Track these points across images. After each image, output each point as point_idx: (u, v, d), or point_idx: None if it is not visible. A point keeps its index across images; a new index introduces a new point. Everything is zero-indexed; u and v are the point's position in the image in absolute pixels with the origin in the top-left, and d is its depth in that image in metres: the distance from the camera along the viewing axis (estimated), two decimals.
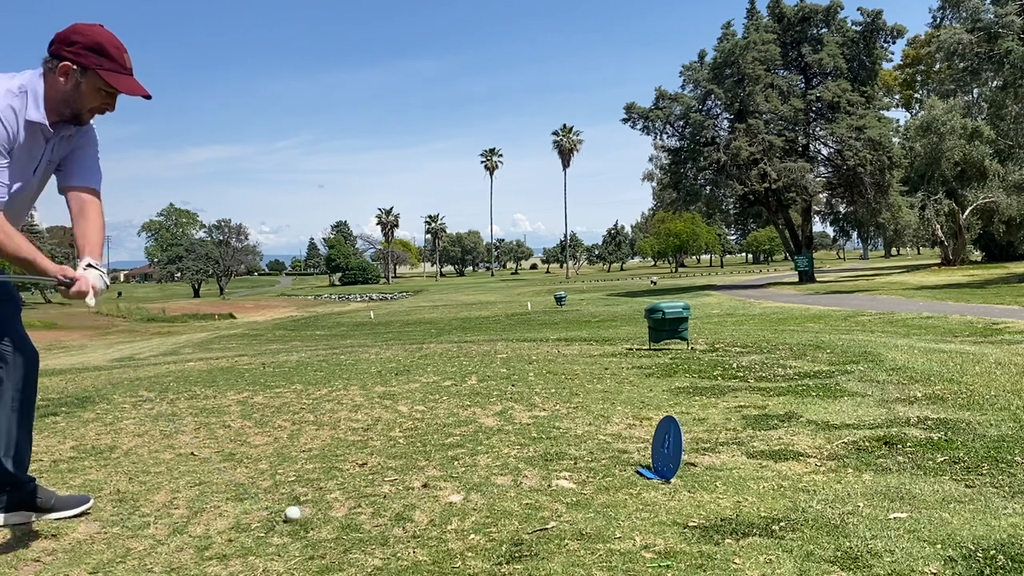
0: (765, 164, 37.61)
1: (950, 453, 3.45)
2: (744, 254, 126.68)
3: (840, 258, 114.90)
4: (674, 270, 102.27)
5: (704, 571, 2.27)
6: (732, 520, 2.67)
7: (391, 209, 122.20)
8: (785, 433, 4.03)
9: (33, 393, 2.89)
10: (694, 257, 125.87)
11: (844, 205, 44.05)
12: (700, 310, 21.28)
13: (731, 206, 44.07)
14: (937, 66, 48.57)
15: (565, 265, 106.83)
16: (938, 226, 43.18)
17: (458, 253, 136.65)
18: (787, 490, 3.02)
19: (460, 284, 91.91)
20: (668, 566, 2.31)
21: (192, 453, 4.11)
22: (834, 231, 52.75)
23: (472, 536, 2.64)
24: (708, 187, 41.59)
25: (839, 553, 2.35)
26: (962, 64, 31.73)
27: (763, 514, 2.74)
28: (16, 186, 2.58)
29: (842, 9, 39.90)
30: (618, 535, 2.59)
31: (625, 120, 42.49)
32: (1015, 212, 39.08)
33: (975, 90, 39.93)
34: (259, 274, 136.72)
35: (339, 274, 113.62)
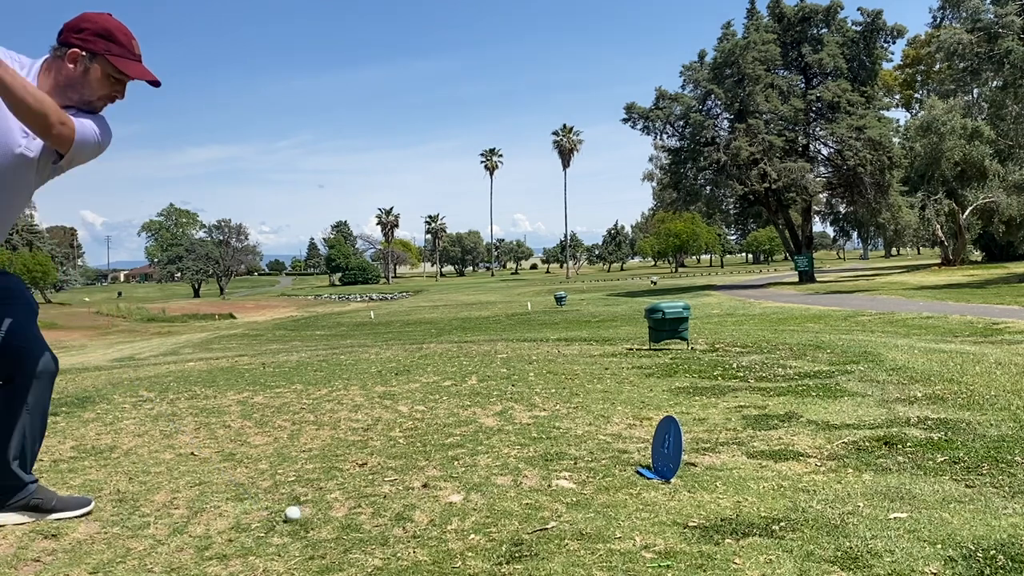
0: (765, 164, 37.60)
1: (950, 453, 3.45)
2: (744, 254, 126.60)
3: (840, 258, 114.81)
4: (674, 270, 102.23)
5: (704, 571, 2.27)
6: (732, 520, 2.67)
7: (391, 209, 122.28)
8: (785, 433, 4.03)
9: (48, 397, 2.89)
10: (694, 257, 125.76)
11: (844, 205, 44.06)
12: (700, 310, 21.27)
13: (731, 206, 44.06)
14: (937, 66, 48.60)
15: (565, 265, 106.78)
16: (938, 226, 43.17)
17: (458, 253, 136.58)
18: (787, 490, 3.02)
19: (460, 284, 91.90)
20: (668, 566, 2.31)
21: (192, 453, 4.11)
22: (834, 231, 52.79)
23: (472, 536, 2.64)
24: (708, 187, 41.58)
25: (839, 553, 2.35)
26: (962, 64, 31.72)
27: (763, 514, 2.74)
28: None
29: (842, 9, 39.91)
30: (618, 535, 2.58)
31: (625, 120, 42.51)
32: (1015, 212, 39.05)
33: (975, 90, 39.94)
34: (259, 274, 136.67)
35: (339, 274, 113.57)
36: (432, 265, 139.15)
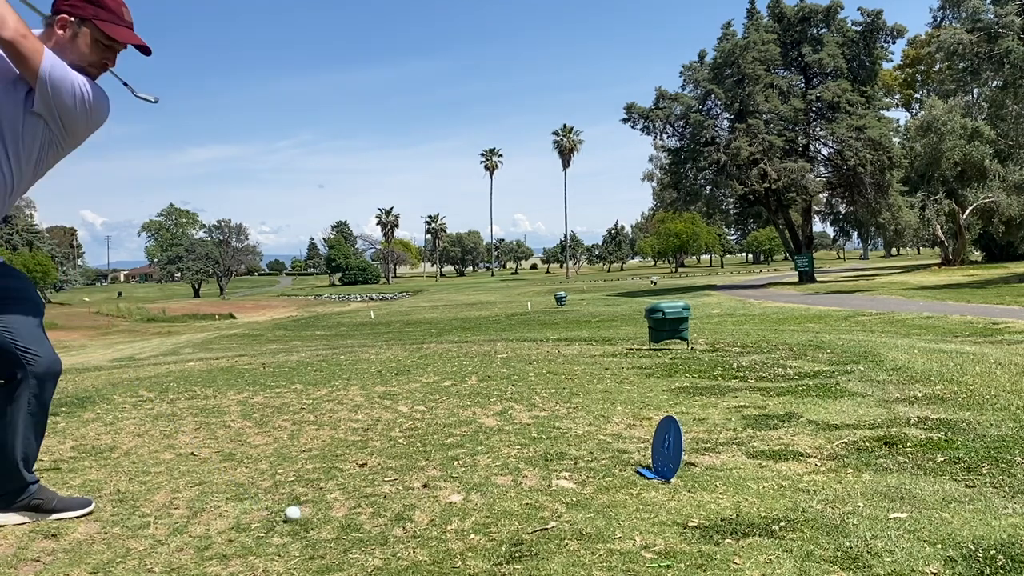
0: (765, 164, 37.61)
1: (950, 453, 3.44)
2: (744, 254, 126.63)
3: (840, 258, 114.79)
4: (674, 270, 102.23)
5: (704, 571, 2.27)
6: (732, 520, 2.67)
7: (391, 209, 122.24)
8: (785, 433, 4.03)
9: (49, 397, 2.88)
10: (694, 257, 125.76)
11: (844, 205, 44.07)
12: (700, 310, 21.27)
13: (731, 206, 44.07)
14: (937, 66, 48.55)
15: (565, 265, 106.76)
16: (938, 226, 43.17)
17: (458, 253, 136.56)
18: (787, 490, 3.02)
19: (460, 284, 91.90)
20: (668, 566, 2.31)
21: (192, 453, 4.11)
22: (834, 231, 52.77)
23: (472, 536, 2.64)
24: (708, 187, 41.60)
25: (839, 553, 2.35)
26: (962, 64, 31.72)
27: (763, 514, 2.74)
28: None
29: (842, 9, 39.94)
30: (618, 535, 2.58)
31: (625, 120, 42.53)
32: (1015, 212, 39.05)
33: (975, 90, 39.92)
34: (259, 274, 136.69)
35: (339, 274, 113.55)
36: (432, 265, 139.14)
